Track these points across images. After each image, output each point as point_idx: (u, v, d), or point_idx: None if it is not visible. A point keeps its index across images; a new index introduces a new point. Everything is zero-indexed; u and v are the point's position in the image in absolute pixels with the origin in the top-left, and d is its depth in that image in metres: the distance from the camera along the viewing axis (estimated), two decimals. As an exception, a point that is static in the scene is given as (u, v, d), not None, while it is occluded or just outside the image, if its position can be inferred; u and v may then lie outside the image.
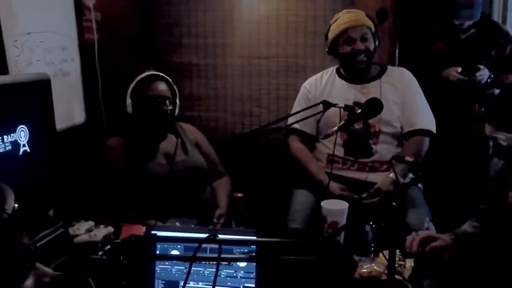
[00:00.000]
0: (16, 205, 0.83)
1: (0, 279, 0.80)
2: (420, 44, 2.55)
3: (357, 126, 2.08)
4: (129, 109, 1.99)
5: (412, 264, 1.43)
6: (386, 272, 1.35)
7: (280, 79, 2.81)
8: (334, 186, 2.01)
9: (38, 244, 1.41)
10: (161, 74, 2.03)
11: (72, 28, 2.22)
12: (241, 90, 2.86)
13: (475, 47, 2.44)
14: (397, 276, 1.32)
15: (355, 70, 2.15)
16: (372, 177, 2.08)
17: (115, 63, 2.55)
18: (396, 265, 1.34)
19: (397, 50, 2.64)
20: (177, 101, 2.04)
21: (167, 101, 1.98)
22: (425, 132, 2.12)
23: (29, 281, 0.85)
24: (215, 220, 1.89)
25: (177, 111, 2.04)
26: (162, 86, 2.00)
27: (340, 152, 2.10)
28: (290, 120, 1.98)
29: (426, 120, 2.15)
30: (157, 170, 1.96)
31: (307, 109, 1.83)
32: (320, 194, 1.96)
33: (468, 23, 2.44)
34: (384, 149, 2.11)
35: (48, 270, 0.91)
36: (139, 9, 2.79)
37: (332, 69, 2.28)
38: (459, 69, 2.36)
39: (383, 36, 2.43)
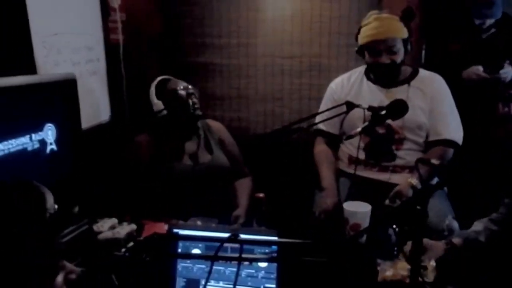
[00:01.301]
0: (56, 206, 0.85)
1: (38, 274, 0.82)
2: (439, 44, 2.50)
3: (380, 131, 2.04)
4: (156, 107, 2.02)
5: (434, 266, 1.40)
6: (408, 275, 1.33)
7: (303, 79, 2.79)
8: (328, 202, 1.93)
9: (63, 240, 1.44)
10: (174, 78, 2.09)
11: (98, 29, 2.25)
12: (264, 90, 2.86)
13: (496, 46, 2.39)
14: (420, 279, 1.30)
15: (381, 77, 2.11)
16: (395, 178, 2.04)
17: (139, 62, 2.59)
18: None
19: (423, 51, 2.60)
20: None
21: (193, 96, 2.02)
22: (450, 143, 2.06)
23: (59, 278, 0.87)
24: (232, 221, 1.89)
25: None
26: (185, 83, 2.05)
27: (361, 155, 2.07)
28: (316, 120, 1.98)
29: (453, 130, 2.07)
30: (182, 170, 1.99)
31: (331, 109, 1.81)
32: (344, 196, 1.95)
33: (489, 22, 2.40)
34: (407, 154, 2.06)
35: (74, 267, 0.93)
36: (163, 9, 2.82)
37: (361, 70, 2.23)
38: (481, 68, 2.31)
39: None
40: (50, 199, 0.86)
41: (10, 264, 0.79)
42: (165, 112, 2.02)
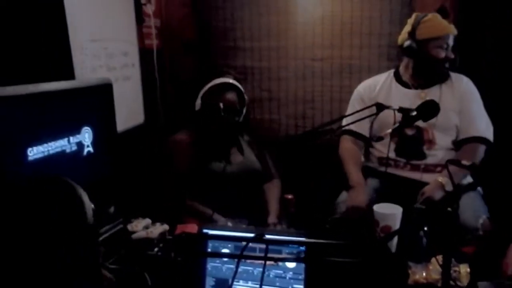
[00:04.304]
0: (93, 205, 0.87)
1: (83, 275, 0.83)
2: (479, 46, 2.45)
3: (410, 132, 2.03)
4: (197, 107, 2.08)
5: (467, 270, 1.37)
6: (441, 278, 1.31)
7: (334, 80, 2.78)
8: (359, 199, 1.94)
9: (99, 239, 1.49)
10: (234, 83, 2.11)
11: (132, 35, 2.32)
12: (295, 92, 2.87)
13: None
14: (452, 283, 1.28)
15: (433, 73, 2.10)
16: (427, 177, 2.02)
17: (172, 67, 2.64)
18: (451, 272, 1.30)
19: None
20: (244, 110, 2.11)
21: (233, 111, 2.05)
22: (480, 140, 2.04)
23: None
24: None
25: (241, 119, 2.10)
26: (231, 96, 2.07)
27: (391, 154, 2.06)
28: (344, 122, 1.98)
29: (482, 127, 2.06)
30: (215, 169, 2.03)
31: (361, 111, 1.80)
32: (372, 197, 1.94)
33: None
34: (438, 154, 2.04)
35: (108, 275, 0.95)
36: (196, 15, 2.88)
37: (388, 74, 2.23)
38: None
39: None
40: (88, 203, 0.88)
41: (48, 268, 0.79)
42: (200, 114, 2.07)
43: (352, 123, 1.90)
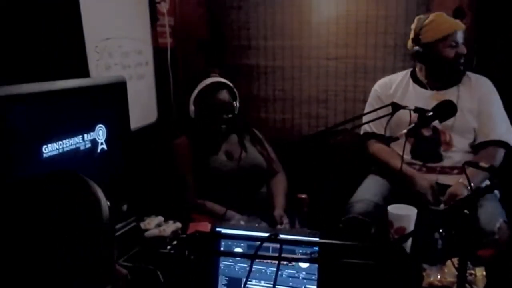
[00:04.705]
0: (108, 203, 0.86)
1: (95, 274, 0.82)
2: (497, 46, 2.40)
3: (426, 133, 1.99)
4: (192, 114, 2.13)
5: (483, 273, 1.35)
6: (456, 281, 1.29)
7: (348, 80, 2.76)
8: (424, 182, 1.92)
9: (114, 237, 1.49)
10: (222, 80, 2.15)
11: (146, 33, 2.33)
12: (308, 91, 2.85)
13: None
14: (467, 286, 1.26)
15: (448, 74, 2.06)
16: (443, 179, 1.99)
17: (186, 65, 2.65)
18: (467, 275, 1.28)
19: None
20: (237, 103, 2.14)
21: (227, 109, 2.10)
22: (500, 144, 1.99)
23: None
24: (278, 223, 1.91)
25: (236, 111, 2.14)
26: (223, 95, 2.11)
27: (407, 156, 2.02)
28: (364, 120, 1.98)
29: (502, 130, 2.01)
30: (218, 165, 2.07)
31: (378, 109, 1.78)
32: (391, 192, 1.92)
33: None
34: (455, 156, 2.01)
35: (124, 271, 0.94)
36: (210, 13, 2.88)
37: (405, 73, 2.20)
38: None
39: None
40: (103, 199, 0.86)
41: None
42: (196, 119, 2.12)
43: (371, 121, 1.88)
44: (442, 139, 2.01)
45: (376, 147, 2.17)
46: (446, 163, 2.01)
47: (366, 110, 2.16)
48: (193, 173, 2.07)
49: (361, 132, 2.23)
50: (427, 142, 2.02)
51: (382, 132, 2.13)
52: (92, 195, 0.83)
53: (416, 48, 2.06)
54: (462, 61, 2.04)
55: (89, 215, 0.81)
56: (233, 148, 2.16)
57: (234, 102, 2.14)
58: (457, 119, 1.69)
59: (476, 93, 2.04)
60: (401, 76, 2.18)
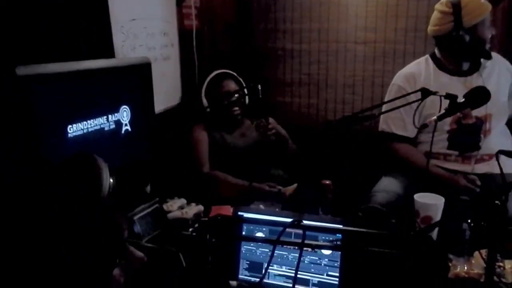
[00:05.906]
0: (112, 180, 0.87)
1: (96, 253, 0.84)
2: None
3: (470, 121, 1.95)
4: (203, 103, 2.28)
5: (513, 267, 1.31)
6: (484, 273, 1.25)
7: (376, 65, 2.69)
8: (458, 178, 1.90)
9: (135, 218, 1.51)
10: (226, 71, 2.28)
11: (172, 15, 2.31)
12: (335, 76, 2.80)
13: None
14: (495, 279, 1.22)
15: (478, 58, 2.01)
16: (479, 167, 1.93)
17: (211, 48, 2.63)
18: (495, 267, 1.23)
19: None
20: (245, 90, 2.28)
21: (236, 97, 2.22)
22: None
23: (117, 270, 0.88)
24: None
25: (244, 98, 2.29)
26: (230, 84, 2.25)
27: (443, 145, 1.97)
28: (382, 120, 2.00)
29: None
30: (233, 142, 2.24)
31: (402, 106, 1.73)
32: (411, 183, 1.88)
33: None
34: (491, 141, 1.95)
35: (140, 254, 0.95)
36: (236, -5, 2.84)
37: (425, 60, 2.09)
38: None
39: (496, 20, 2.23)
40: (106, 175, 0.88)
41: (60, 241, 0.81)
42: (208, 109, 2.27)
43: (386, 112, 1.84)
44: (484, 126, 1.96)
45: (406, 148, 2.07)
46: (483, 151, 1.96)
47: (386, 107, 1.95)
48: (210, 152, 2.19)
49: (379, 129, 2.15)
50: (468, 131, 1.96)
51: (407, 135, 2.06)
52: (93, 170, 0.86)
53: (460, 32, 1.96)
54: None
55: (89, 188, 0.84)
56: (247, 132, 2.30)
57: (242, 89, 2.26)
58: (493, 105, 1.63)
59: (501, 69, 2.03)
60: (423, 65, 2.08)
